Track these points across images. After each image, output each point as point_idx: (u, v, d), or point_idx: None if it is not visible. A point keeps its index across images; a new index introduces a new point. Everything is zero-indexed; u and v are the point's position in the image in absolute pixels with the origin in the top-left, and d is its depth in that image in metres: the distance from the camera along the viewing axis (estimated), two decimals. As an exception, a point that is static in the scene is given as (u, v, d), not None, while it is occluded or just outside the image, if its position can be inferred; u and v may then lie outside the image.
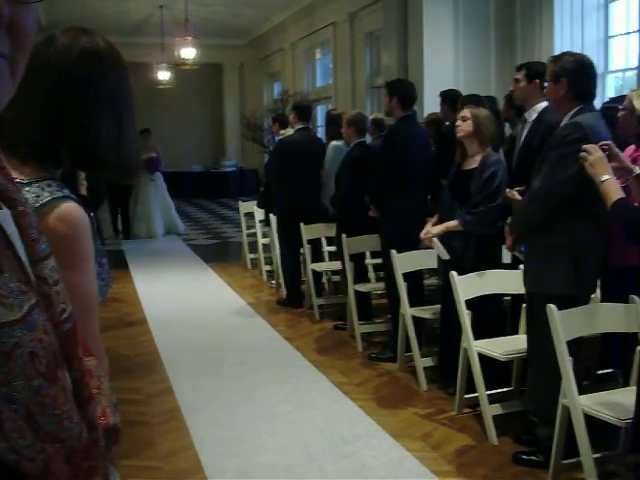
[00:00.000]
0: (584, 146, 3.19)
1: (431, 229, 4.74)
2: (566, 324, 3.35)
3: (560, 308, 3.37)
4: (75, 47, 1.49)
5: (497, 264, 4.54)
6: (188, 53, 14.54)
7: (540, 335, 3.61)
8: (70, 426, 0.73)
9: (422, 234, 4.82)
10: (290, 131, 7.63)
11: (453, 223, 4.62)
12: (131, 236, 12.48)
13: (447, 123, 6.44)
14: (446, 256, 4.62)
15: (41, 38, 1.53)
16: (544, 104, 4.52)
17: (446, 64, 9.38)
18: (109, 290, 1.87)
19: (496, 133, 4.76)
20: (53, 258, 0.84)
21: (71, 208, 1.42)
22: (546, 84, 3.82)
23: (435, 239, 4.68)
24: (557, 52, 7.71)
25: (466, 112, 4.70)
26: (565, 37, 8.57)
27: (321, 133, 12.60)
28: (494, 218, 4.54)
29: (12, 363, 0.65)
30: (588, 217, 3.60)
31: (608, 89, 8.32)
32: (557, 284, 3.64)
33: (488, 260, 4.50)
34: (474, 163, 4.64)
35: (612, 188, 3.03)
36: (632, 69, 7.90)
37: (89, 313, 1.43)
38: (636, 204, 3.19)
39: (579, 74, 3.64)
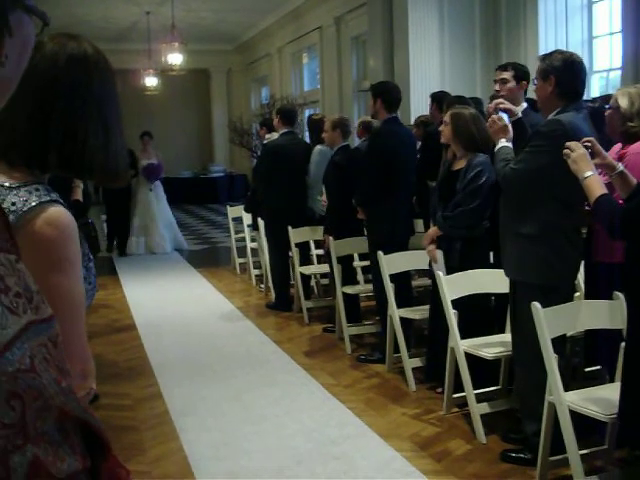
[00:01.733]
0: (567, 143, 3.21)
1: (431, 247, 4.75)
2: (551, 321, 3.37)
3: (541, 298, 3.41)
4: (62, 53, 1.51)
5: (483, 264, 4.56)
6: (175, 59, 14.53)
7: (523, 328, 3.64)
8: None
9: (427, 250, 4.82)
10: (275, 135, 7.64)
11: (434, 229, 4.68)
12: (127, 252, 11.28)
13: (434, 124, 6.45)
14: (443, 271, 4.59)
15: None
16: (524, 105, 4.53)
17: (432, 66, 9.43)
18: (96, 293, 1.88)
19: (482, 134, 4.73)
20: None
21: (58, 212, 1.43)
22: (535, 82, 3.82)
23: (439, 253, 4.68)
24: (542, 53, 7.79)
25: (446, 116, 4.72)
26: (550, 38, 8.64)
27: (309, 137, 12.61)
28: (470, 220, 4.56)
29: None
30: (560, 208, 3.65)
31: (593, 89, 8.38)
32: (536, 273, 3.68)
33: (474, 259, 4.52)
34: (462, 164, 4.66)
35: (595, 184, 3.05)
36: (616, 69, 7.96)
37: (76, 316, 1.45)
38: (620, 201, 3.21)
39: (567, 72, 3.66)
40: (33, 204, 1.41)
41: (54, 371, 0.64)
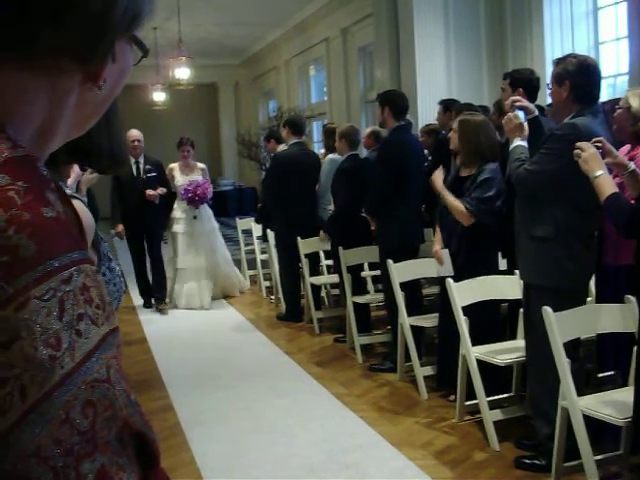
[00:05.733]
0: (578, 144, 3.20)
1: (437, 247, 4.74)
2: (562, 325, 3.34)
3: (555, 301, 3.39)
4: None
5: (492, 268, 4.53)
6: (182, 73, 14.58)
7: (536, 332, 3.61)
8: None
9: (433, 251, 4.81)
10: (285, 146, 7.65)
11: (458, 204, 4.54)
12: (167, 306, 8.23)
13: (443, 132, 6.44)
14: (450, 272, 4.58)
15: None
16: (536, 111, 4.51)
17: (439, 75, 9.42)
18: (123, 296, 1.85)
19: (490, 141, 4.69)
20: None
21: None
22: (550, 86, 3.80)
23: (446, 252, 4.66)
24: (548, 60, 7.78)
25: (454, 123, 4.70)
26: (556, 45, 8.62)
27: (317, 149, 12.62)
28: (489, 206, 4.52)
29: None
30: (573, 211, 3.62)
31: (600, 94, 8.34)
32: (552, 276, 3.65)
33: (482, 262, 4.50)
34: (471, 171, 4.62)
35: (606, 183, 3.04)
36: (623, 74, 7.93)
37: None
38: (631, 200, 3.20)
39: (581, 76, 3.61)
40: None
41: (125, 383, 0.67)
